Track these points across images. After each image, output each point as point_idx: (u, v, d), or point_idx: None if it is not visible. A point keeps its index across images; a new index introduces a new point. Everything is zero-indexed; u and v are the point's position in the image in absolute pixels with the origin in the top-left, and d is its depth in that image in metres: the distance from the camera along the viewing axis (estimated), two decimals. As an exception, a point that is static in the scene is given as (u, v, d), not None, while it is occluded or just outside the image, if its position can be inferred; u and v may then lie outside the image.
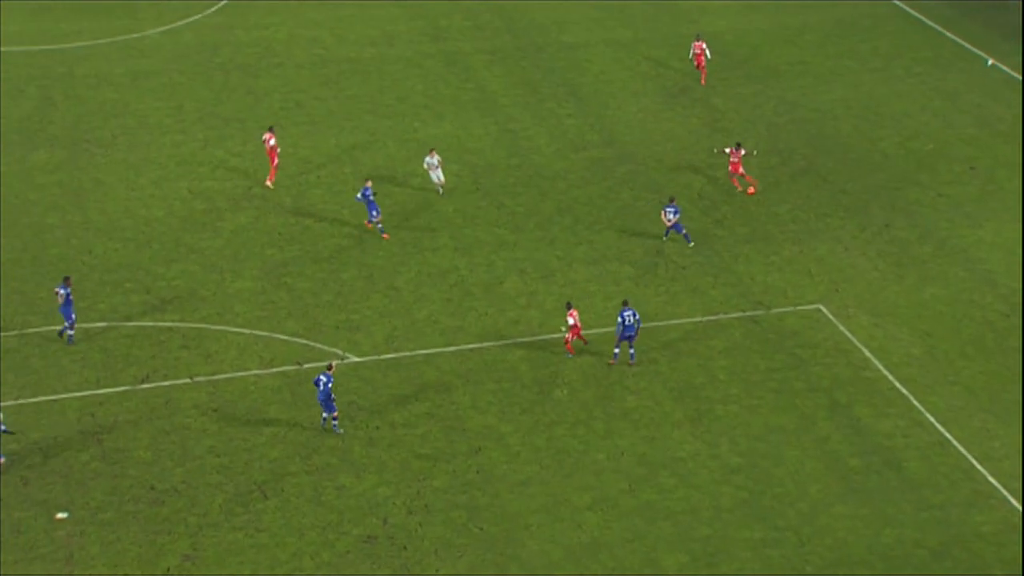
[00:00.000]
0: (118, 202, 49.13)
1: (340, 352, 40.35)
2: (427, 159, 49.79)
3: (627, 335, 39.66)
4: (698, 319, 42.53)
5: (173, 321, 42.00)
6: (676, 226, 46.35)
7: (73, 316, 40.28)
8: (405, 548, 33.07)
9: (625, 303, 40.16)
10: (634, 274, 44.90)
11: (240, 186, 50.28)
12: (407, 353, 40.77)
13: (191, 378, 38.98)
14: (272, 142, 50.35)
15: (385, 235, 46.60)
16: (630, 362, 40.00)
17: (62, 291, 40.01)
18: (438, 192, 49.50)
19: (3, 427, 35.24)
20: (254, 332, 41.52)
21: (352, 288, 44.13)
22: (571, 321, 40.11)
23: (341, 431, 36.95)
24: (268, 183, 50.35)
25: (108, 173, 51.20)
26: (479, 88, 59.08)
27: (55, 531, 33.13)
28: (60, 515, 33.62)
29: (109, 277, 44.39)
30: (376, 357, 40.49)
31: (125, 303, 42.88)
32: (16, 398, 37.90)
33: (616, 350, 40.00)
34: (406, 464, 35.98)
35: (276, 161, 50.45)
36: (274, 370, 39.65)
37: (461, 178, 51.19)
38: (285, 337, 41.29)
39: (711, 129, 55.11)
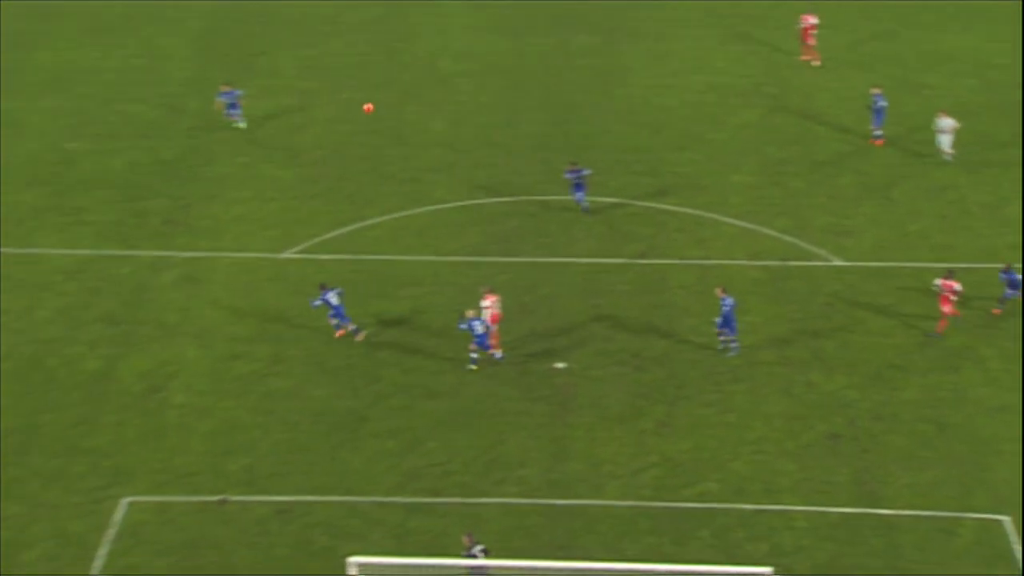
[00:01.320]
0: (639, 89, 48.53)
1: (826, 254, 37.95)
2: (938, 121, 42.85)
3: None
4: None
5: (673, 205, 41.01)
6: None
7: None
8: (867, 451, 30.67)
9: None
10: None
11: (751, 83, 48.34)
12: (893, 264, 37.75)
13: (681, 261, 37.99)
14: (812, 21, 49.26)
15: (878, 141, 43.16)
16: None
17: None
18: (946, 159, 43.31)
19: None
20: (745, 224, 39.84)
21: (846, 193, 41.26)
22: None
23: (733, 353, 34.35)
24: (812, 62, 49.17)
25: (635, 60, 50.70)
26: None
27: (554, 378, 33.36)
28: (559, 365, 33.82)
29: (622, 157, 43.92)
30: (861, 264, 37.76)
31: (634, 183, 42.25)
32: (532, 256, 38.47)
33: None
34: (878, 372, 33.29)
35: (812, 42, 49.28)
36: (760, 263, 37.87)
37: (976, 94, 46.73)
38: (774, 233, 39.29)
39: None
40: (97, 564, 27.10)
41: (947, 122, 42.44)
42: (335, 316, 34.18)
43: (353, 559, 24.44)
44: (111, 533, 27.92)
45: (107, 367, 33.02)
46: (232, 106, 44.28)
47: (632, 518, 28.91)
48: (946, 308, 33.96)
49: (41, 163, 42.08)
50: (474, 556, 25.77)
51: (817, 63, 49.40)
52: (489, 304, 33.77)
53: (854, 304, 35.91)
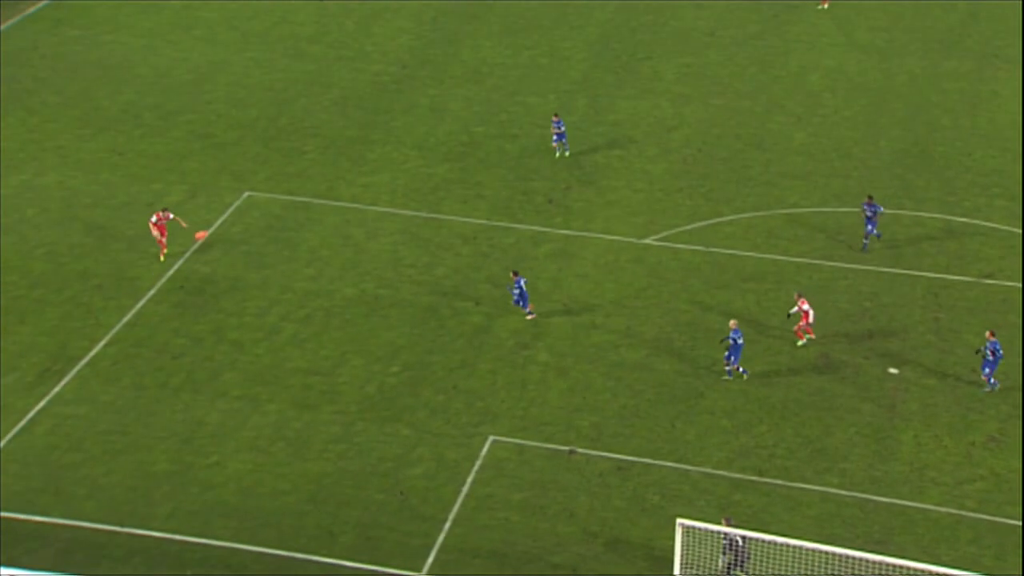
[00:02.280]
0: (1008, 114, 45.64)
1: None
2: None
3: None
4: None
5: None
6: None
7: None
8: None
9: None
10: None
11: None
12: None
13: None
14: None
15: None
16: None
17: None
18: None
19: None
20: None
21: None
22: None
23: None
24: None
25: (1005, 86, 47.67)
26: None
27: (887, 382, 32.34)
28: (892, 370, 32.72)
29: (979, 180, 41.60)
30: None
31: (987, 205, 39.93)
32: (877, 265, 37.25)
33: None
34: None
35: None
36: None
37: None
38: None
39: None
40: (464, 489, 29.05)
41: None
42: (519, 301, 34.82)
43: (682, 521, 24.89)
44: (478, 464, 29.79)
45: (487, 322, 35.01)
46: (559, 136, 43.33)
47: (952, 526, 27.72)
48: None
49: (453, 143, 44.88)
50: (732, 540, 25.45)
51: None
52: (803, 307, 33.39)
53: None
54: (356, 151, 43.91)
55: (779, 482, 29.08)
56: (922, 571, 23.74)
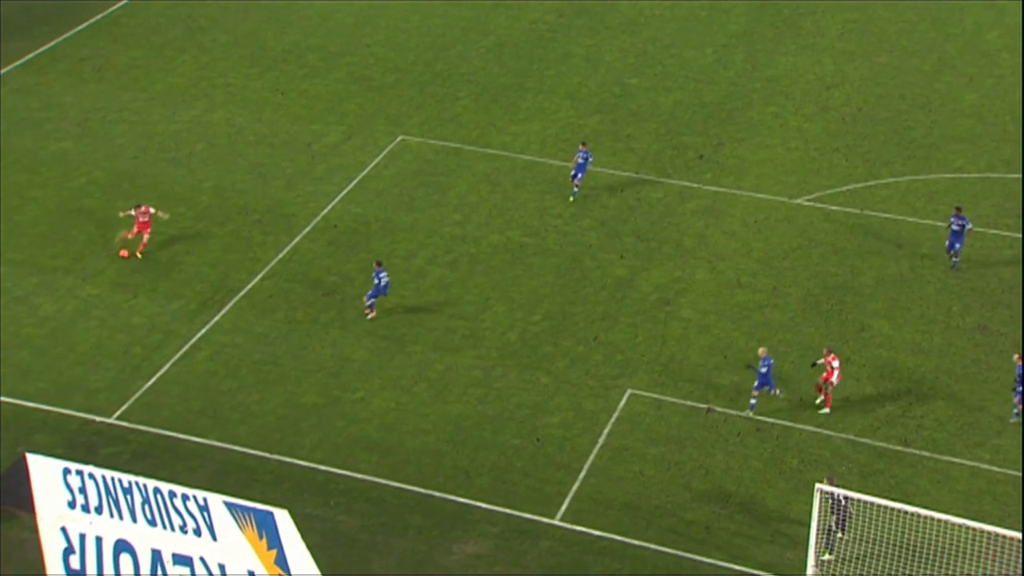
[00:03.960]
0: None
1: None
2: None
3: None
4: None
5: None
6: None
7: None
8: None
9: None
10: None
11: None
12: None
13: None
14: None
15: None
16: None
17: None
18: None
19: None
20: None
21: None
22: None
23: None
24: None
25: None
26: None
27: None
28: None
29: None
30: None
31: None
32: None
33: None
34: None
35: None
36: None
37: None
38: None
39: None
40: (600, 440, 29.14)
41: None
42: (373, 296, 32.60)
43: (821, 485, 24.46)
44: (615, 416, 29.81)
45: (630, 275, 34.82)
46: (580, 167, 37.37)
47: (1103, 509, 26.53)
48: None
49: (606, 94, 44.50)
50: (836, 500, 24.61)
51: None
52: (833, 363, 29.37)
53: None
54: (509, 99, 43.96)
55: (926, 453, 28.25)
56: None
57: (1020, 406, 28.92)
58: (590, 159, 37.73)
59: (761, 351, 29.75)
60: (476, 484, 27.91)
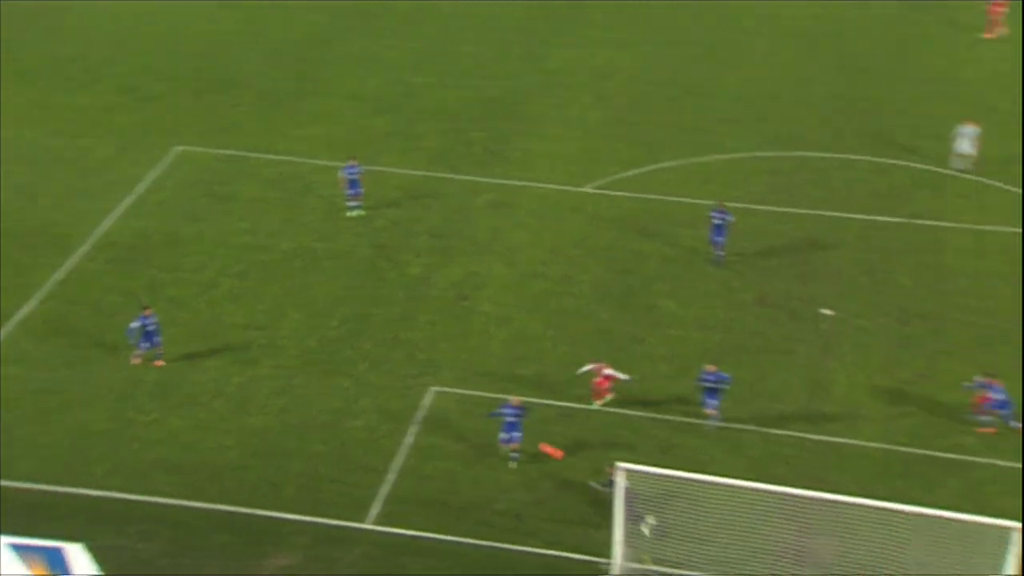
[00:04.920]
0: (938, 58, 46.16)
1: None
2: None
3: None
4: None
5: (947, 170, 39.00)
6: None
7: None
8: None
9: None
10: None
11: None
12: None
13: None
14: None
15: None
16: None
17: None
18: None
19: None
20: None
21: None
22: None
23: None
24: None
25: (934, 29, 48.29)
26: None
27: (820, 323, 32.56)
28: (826, 311, 33.04)
29: (910, 122, 42.02)
30: None
31: (922, 146, 40.38)
32: (811, 208, 37.49)
33: None
34: None
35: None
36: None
37: None
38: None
39: None
40: (407, 440, 28.92)
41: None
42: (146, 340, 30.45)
43: (621, 464, 24.99)
44: (420, 415, 29.66)
45: (427, 273, 34.73)
46: (353, 184, 36.36)
47: (885, 460, 28.19)
48: None
49: (390, 94, 44.16)
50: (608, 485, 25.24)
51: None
52: (605, 372, 29.78)
53: None
54: (290, 103, 43.11)
55: (719, 424, 29.34)
56: (860, 505, 24.13)
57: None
58: (357, 171, 36.28)
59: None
60: (283, 495, 27.23)
